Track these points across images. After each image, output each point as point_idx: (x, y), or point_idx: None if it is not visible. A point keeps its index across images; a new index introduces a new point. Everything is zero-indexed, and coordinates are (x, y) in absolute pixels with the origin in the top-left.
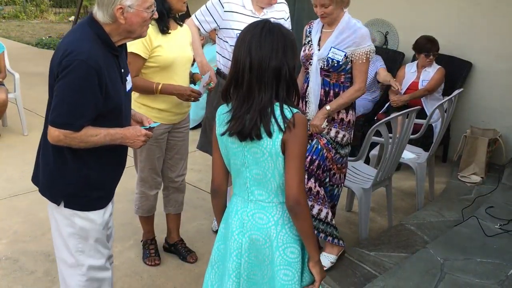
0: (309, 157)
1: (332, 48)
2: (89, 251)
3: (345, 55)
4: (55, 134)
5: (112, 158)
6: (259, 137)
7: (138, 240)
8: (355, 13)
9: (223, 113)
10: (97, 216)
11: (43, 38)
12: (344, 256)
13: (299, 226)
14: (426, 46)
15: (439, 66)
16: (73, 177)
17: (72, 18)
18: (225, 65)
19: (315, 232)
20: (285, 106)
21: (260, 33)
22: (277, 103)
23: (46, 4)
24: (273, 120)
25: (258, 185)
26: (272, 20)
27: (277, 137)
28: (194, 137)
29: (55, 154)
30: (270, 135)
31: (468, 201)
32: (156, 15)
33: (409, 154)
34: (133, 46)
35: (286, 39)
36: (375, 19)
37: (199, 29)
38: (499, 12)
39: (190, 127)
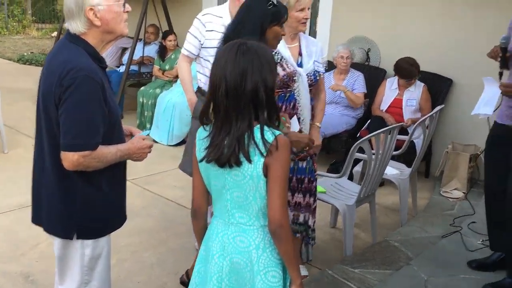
0: (306, 179)
1: (315, 61)
2: (95, 281)
3: (322, 65)
4: (74, 158)
5: (120, 174)
6: (239, 164)
7: (122, 259)
8: (337, 31)
9: (201, 138)
10: (107, 241)
11: (25, 54)
12: (329, 274)
13: (281, 249)
14: (407, 71)
15: (423, 84)
16: (86, 204)
17: (54, 33)
18: (206, 84)
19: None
20: (266, 129)
21: (235, 56)
22: (258, 126)
23: (29, 20)
24: (253, 145)
25: (239, 207)
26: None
27: (259, 160)
28: (178, 153)
29: (61, 184)
30: (250, 161)
31: (451, 217)
32: (129, 8)
33: (392, 170)
34: None
35: (263, 58)
36: (357, 36)
37: (189, 58)
38: (479, 29)
39: (174, 143)
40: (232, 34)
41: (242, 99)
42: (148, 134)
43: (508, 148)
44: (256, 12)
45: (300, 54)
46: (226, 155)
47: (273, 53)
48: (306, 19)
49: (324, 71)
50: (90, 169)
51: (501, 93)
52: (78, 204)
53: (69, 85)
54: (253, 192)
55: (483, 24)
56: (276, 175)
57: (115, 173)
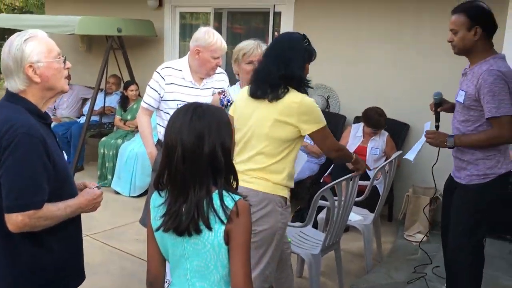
0: None
1: None
2: None
3: None
4: (19, 220)
5: (73, 231)
6: (198, 232)
7: None
8: None
9: (156, 205)
10: None
11: None
12: None
13: None
14: (376, 121)
15: (387, 134)
16: (34, 268)
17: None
18: None
19: None
20: (225, 194)
21: (190, 119)
22: (216, 192)
23: None
24: (212, 212)
25: (200, 277)
26: (203, 100)
27: (219, 228)
28: (140, 205)
29: (5, 247)
30: (210, 228)
31: (415, 261)
32: (69, 65)
33: (356, 216)
34: None
35: (220, 120)
36: (317, 84)
37: (149, 111)
38: (432, 74)
39: (136, 194)
40: (276, 69)
41: (200, 162)
42: (98, 187)
43: (451, 198)
44: (299, 49)
45: None
46: (185, 223)
47: (230, 103)
48: None
49: None
50: (38, 229)
51: (426, 141)
52: (24, 268)
53: (8, 145)
54: (214, 260)
55: (436, 70)
56: (239, 242)
57: (68, 230)
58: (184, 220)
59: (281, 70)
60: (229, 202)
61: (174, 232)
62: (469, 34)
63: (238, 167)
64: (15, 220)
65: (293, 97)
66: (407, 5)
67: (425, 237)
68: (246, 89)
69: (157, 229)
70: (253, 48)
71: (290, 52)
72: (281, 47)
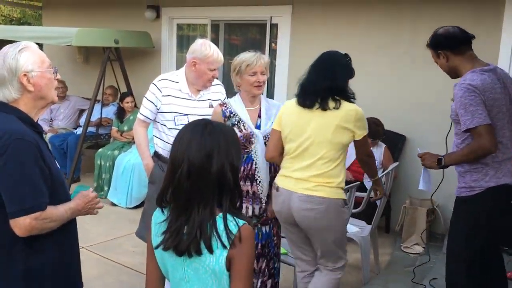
0: (259, 244)
1: (272, 123)
2: None
3: None
4: (26, 222)
5: (70, 243)
6: (199, 253)
7: None
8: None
9: (158, 222)
10: None
11: None
12: None
13: None
14: (373, 131)
15: (384, 145)
16: (31, 278)
17: None
18: (163, 148)
19: None
20: (229, 218)
21: (200, 135)
22: (220, 215)
23: None
24: (215, 235)
25: None
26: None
27: (221, 254)
28: (136, 216)
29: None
30: (211, 251)
31: (413, 273)
32: (59, 76)
33: (353, 228)
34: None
35: (230, 138)
36: None
37: (146, 123)
38: (427, 86)
39: (133, 205)
40: (323, 81)
41: (207, 181)
42: (88, 189)
43: None
44: (344, 66)
45: (259, 116)
46: (186, 242)
47: (232, 115)
48: (259, 82)
49: None
50: (45, 231)
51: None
52: (20, 278)
53: (4, 151)
54: (215, 286)
55: (432, 81)
56: (241, 269)
57: (64, 237)
58: (185, 240)
59: (328, 82)
60: (232, 227)
61: (174, 251)
62: (440, 61)
63: (298, 174)
64: (22, 224)
65: (348, 106)
66: (403, 16)
67: (423, 249)
68: (291, 103)
69: (157, 247)
70: (255, 60)
71: (336, 67)
72: (328, 63)
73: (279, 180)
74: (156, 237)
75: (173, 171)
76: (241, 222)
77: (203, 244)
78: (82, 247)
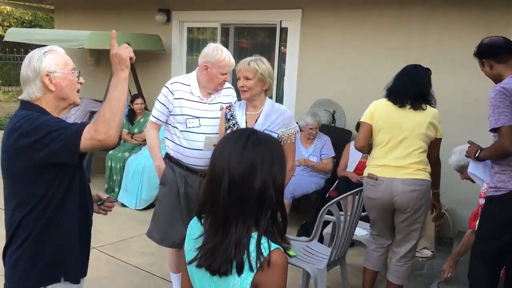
0: None
1: (265, 130)
2: None
3: (277, 136)
4: (91, 131)
5: (84, 211)
6: (228, 273)
7: None
8: (303, 93)
9: (194, 237)
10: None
11: None
12: None
13: None
14: None
15: None
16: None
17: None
18: (175, 150)
19: None
20: (263, 240)
21: (243, 147)
22: (255, 234)
23: None
24: (246, 255)
25: None
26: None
27: (247, 278)
28: (146, 217)
29: (33, 239)
30: (240, 272)
31: (421, 277)
32: (82, 80)
33: (362, 231)
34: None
35: (275, 152)
36: (323, 99)
37: (157, 125)
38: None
39: (142, 207)
40: (413, 87)
41: (248, 198)
42: (110, 197)
43: None
44: (427, 76)
45: (257, 121)
46: (218, 261)
47: (232, 117)
48: (242, 87)
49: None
50: (113, 123)
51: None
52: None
53: (32, 129)
54: None
55: (443, 84)
56: None
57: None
58: (219, 259)
59: (416, 88)
60: (264, 249)
61: (207, 271)
62: (485, 69)
63: (397, 162)
64: (88, 133)
65: (432, 108)
66: (413, 21)
67: (431, 253)
68: (381, 101)
69: (190, 263)
70: (240, 64)
71: (423, 77)
72: (414, 73)
73: (376, 171)
74: (191, 252)
75: (212, 183)
76: (274, 245)
77: (235, 264)
78: (93, 247)
